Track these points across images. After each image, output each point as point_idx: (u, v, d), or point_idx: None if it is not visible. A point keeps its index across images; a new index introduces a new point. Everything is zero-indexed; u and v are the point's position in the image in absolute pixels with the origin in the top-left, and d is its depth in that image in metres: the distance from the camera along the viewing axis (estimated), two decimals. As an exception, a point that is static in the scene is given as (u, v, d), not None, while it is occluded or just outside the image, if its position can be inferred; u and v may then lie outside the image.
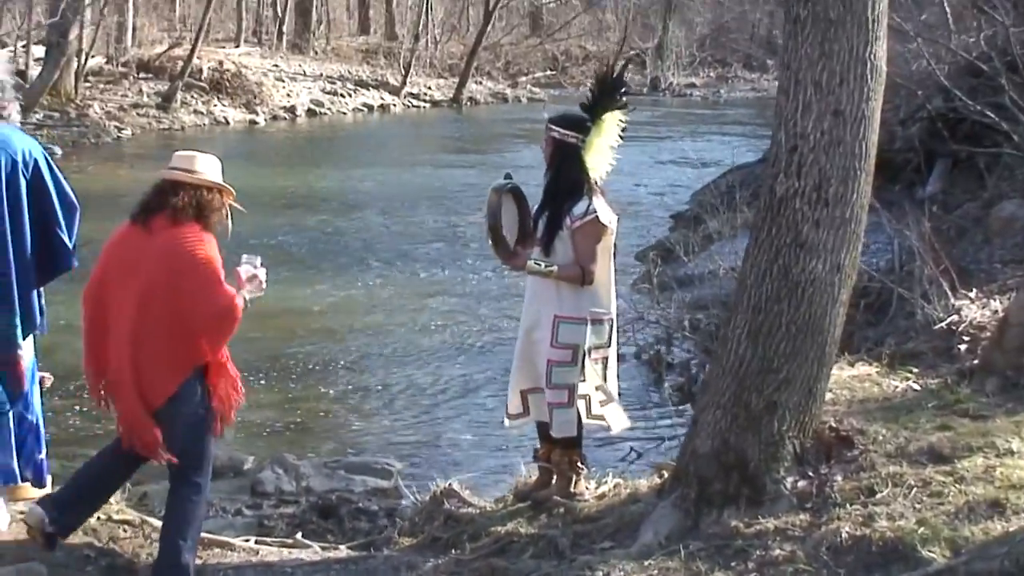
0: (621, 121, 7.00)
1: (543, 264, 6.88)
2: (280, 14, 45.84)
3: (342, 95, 39.67)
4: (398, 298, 15.71)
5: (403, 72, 42.48)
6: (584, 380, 6.91)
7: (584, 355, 6.88)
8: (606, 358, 7.05)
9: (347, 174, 26.69)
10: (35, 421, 6.50)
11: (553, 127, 7.01)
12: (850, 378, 8.04)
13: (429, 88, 43.65)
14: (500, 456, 9.55)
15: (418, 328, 14.30)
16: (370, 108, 39.87)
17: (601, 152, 6.91)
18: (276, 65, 40.51)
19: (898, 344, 9.44)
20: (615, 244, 7.08)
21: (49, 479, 6.71)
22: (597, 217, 6.83)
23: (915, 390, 7.77)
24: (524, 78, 48.55)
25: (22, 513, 6.61)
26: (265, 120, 35.26)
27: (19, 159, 6.21)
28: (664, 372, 12.61)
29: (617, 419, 7.16)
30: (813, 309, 6.16)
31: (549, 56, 51.93)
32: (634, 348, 12.88)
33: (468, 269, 16.76)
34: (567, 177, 6.93)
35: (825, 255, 6.13)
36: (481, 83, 45.67)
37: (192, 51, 34.31)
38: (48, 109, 29.90)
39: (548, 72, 50.01)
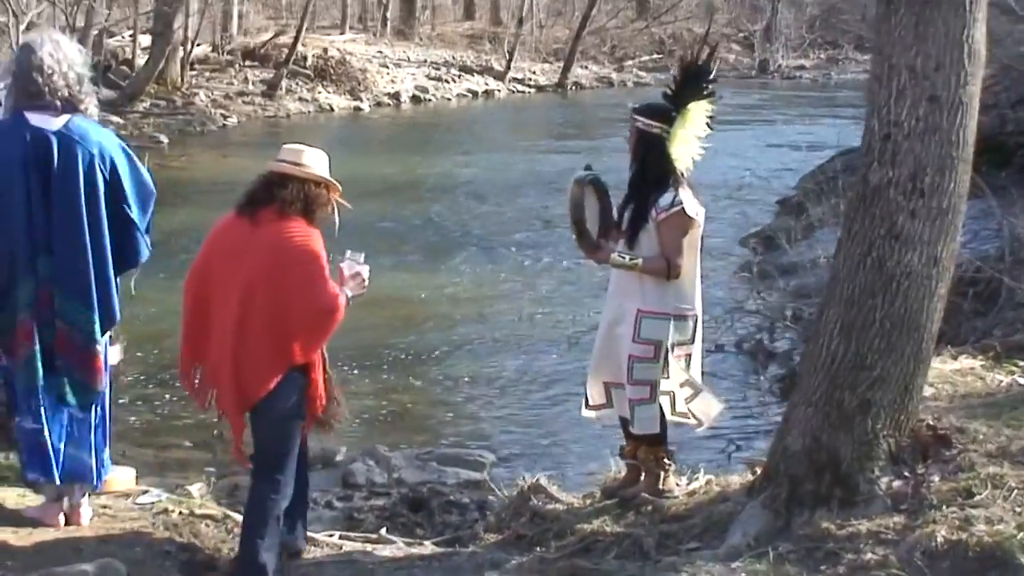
0: (708, 111, 6.79)
1: (627, 257, 6.72)
2: (385, 0, 45.83)
3: (446, 81, 39.64)
4: (497, 286, 15.63)
5: (507, 57, 42.31)
6: (667, 377, 6.74)
7: (667, 351, 6.71)
8: (689, 355, 6.87)
9: (450, 160, 26.61)
10: (105, 415, 6.47)
11: (637, 117, 6.83)
12: (953, 372, 7.79)
13: (534, 73, 43.45)
14: (593, 449, 9.35)
15: (516, 317, 14.17)
16: (474, 94, 39.77)
17: (687, 143, 6.72)
18: (380, 51, 40.63)
19: (1005, 336, 9.13)
20: (702, 237, 6.90)
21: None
22: (683, 209, 6.64)
23: (1020, 385, 7.51)
24: (630, 62, 47.93)
25: (104, 507, 6.60)
26: (369, 106, 35.30)
27: (96, 154, 6.15)
28: (765, 362, 12.37)
29: (707, 411, 6.96)
30: (909, 303, 5.92)
31: (656, 39, 51.20)
32: (735, 338, 12.64)
33: (570, 256, 16.52)
34: (652, 168, 6.75)
35: (921, 247, 5.89)
36: (587, 67, 45.29)
37: (296, 38, 34.49)
38: (154, 98, 30.25)
39: (655, 56, 49.18)
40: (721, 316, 12.62)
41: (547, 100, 40.47)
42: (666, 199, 6.66)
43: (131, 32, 32.78)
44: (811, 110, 35.75)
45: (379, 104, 35.88)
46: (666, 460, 6.92)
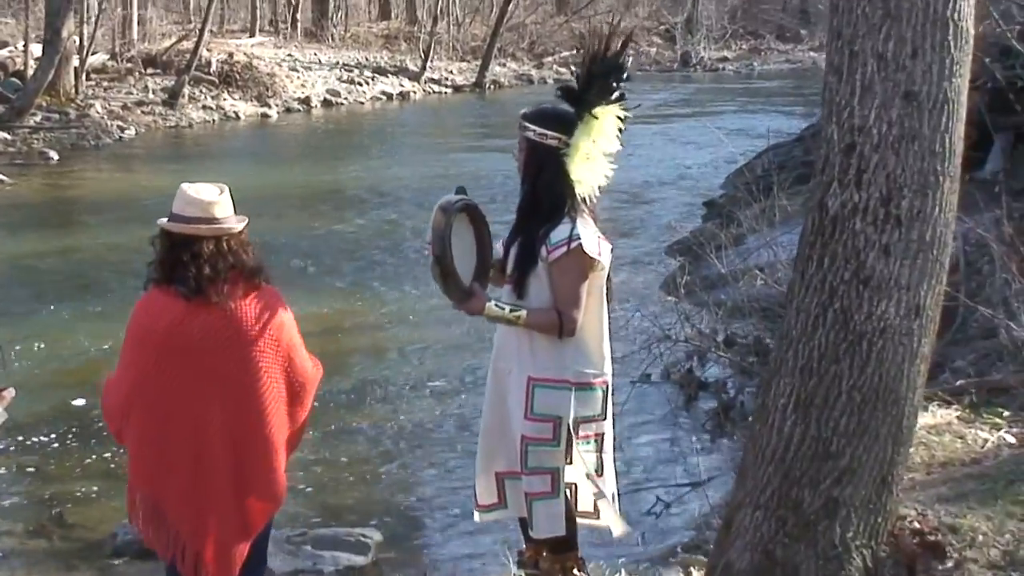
0: (620, 118, 5.26)
1: (507, 308, 5.21)
2: (294, 1, 44.30)
3: (359, 83, 38.27)
4: (407, 313, 13.83)
5: (423, 57, 41.00)
6: (571, 463, 5.24)
7: (569, 430, 5.20)
8: (601, 435, 5.35)
9: (363, 167, 25.16)
10: None
11: (528, 125, 5.32)
12: (926, 428, 6.34)
13: (451, 72, 42.27)
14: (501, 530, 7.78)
15: (424, 354, 12.40)
16: (389, 96, 38.36)
17: (591, 160, 5.18)
18: (290, 55, 39.22)
19: (978, 373, 7.69)
20: (608, 283, 5.38)
21: None
22: (580, 246, 5.11)
23: (1011, 444, 6.07)
24: (550, 58, 47.15)
25: None
26: (278, 113, 33.68)
27: None
28: (696, 393, 10.89)
29: (615, 519, 5.45)
30: (885, 369, 4.48)
31: (576, 34, 50.16)
32: (661, 366, 11.13)
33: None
34: (545, 192, 5.23)
35: (899, 294, 4.45)
36: (505, 65, 44.25)
37: (197, 43, 32.78)
38: (46, 111, 28.39)
39: (575, 51, 48.20)
40: (646, 342, 11.08)
41: (465, 100, 39.13)
42: (560, 233, 5.14)
43: (23, 43, 30.93)
44: (735, 103, 35.08)
45: (288, 110, 34.32)
46: (576, 572, 5.37)
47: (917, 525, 4.79)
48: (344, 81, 37.96)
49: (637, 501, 8.49)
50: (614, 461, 5.52)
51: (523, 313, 5.15)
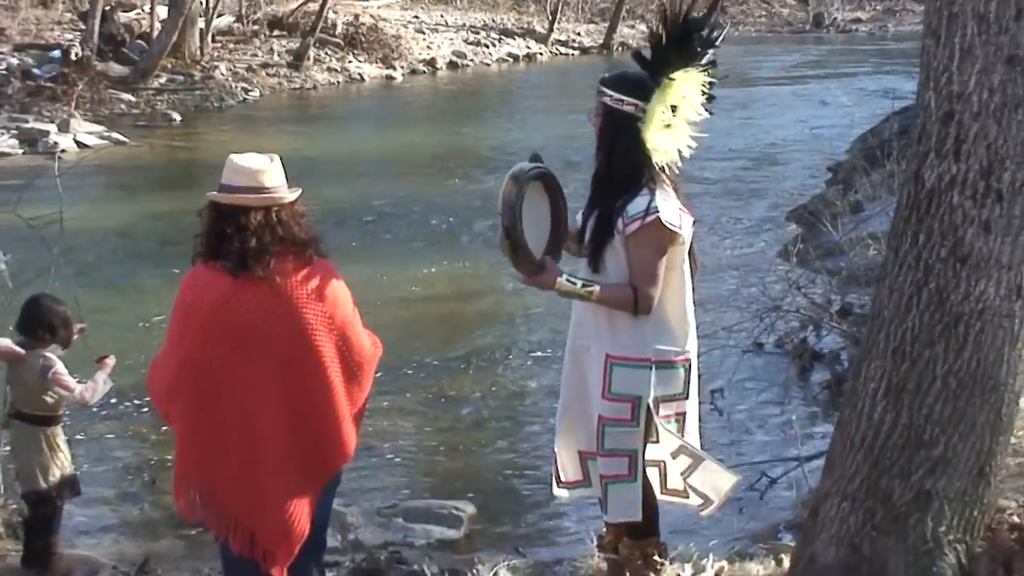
0: (703, 85, 4.97)
1: (579, 283, 4.93)
2: (423, -37, 44.26)
3: (485, 45, 38.17)
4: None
5: (550, 19, 40.66)
6: (656, 441, 5.01)
7: (649, 410, 4.96)
8: (683, 413, 5.09)
9: (487, 128, 25.08)
10: None
11: (605, 90, 5.03)
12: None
13: (578, 34, 41.97)
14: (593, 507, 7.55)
15: (535, 320, 12.09)
16: (515, 58, 38.18)
17: (670, 127, 4.90)
18: (416, 16, 39.28)
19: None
20: (692, 256, 5.11)
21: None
22: (659, 218, 4.83)
23: None
24: (680, 19, 46.28)
25: None
26: (403, 75, 33.69)
27: None
28: (810, 364, 10.55)
29: (715, 484, 5.18)
30: (983, 353, 4.19)
31: (708, -6, 49.56)
32: (774, 336, 10.80)
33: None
34: (620, 162, 4.96)
35: (999, 273, 4.15)
36: (634, 27, 43.54)
37: (323, 5, 32.82)
38: (171, 73, 28.69)
39: (705, 12, 47.55)
40: (757, 312, 10.76)
41: (592, 62, 38.58)
42: (637, 205, 4.87)
43: (148, 5, 31.24)
44: (866, 64, 34.31)
45: (414, 72, 34.32)
46: (656, 557, 5.14)
47: (1017, 519, 4.50)
48: (470, 43, 37.90)
49: (740, 475, 8.22)
50: (700, 438, 5.27)
51: (596, 288, 4.89)
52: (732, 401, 9.66)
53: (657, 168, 4.92)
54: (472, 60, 36.61)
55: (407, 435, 9.16)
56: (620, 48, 41.06)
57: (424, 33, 37.43)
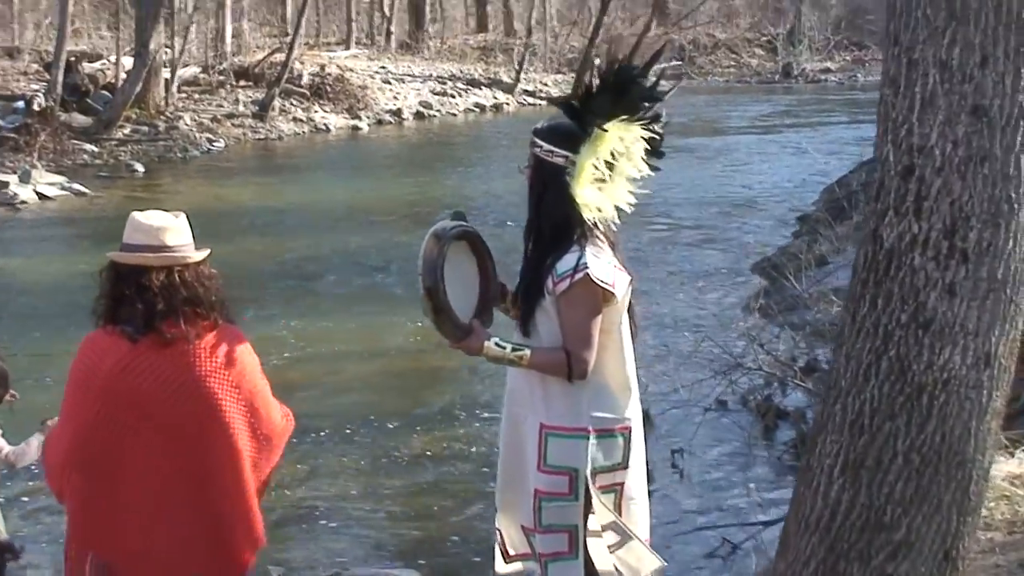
0: (645, 138, 4.63)
1: (509, 347, 4.58)
2: (388, 13, 44.22)
3: (452, 95, 38.30)
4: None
5: (517, 69, 40.62)
6: (594, 514, 4.65)
7: (586, 482, 4.59)
8: (620, 484, 4.71)
9: (453, 179, 25.12)
10: None
11: (537, 140, 4.72)
12: (1009, 478, 5.70)
13: (545, 84, 42.07)
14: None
15: (495, 378, 11.76)
16: (482, 108, 38.36)
17: (605, 181, 4.58)
18: (383, 67, 39.33)
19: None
20: (631, 316, 4.75)
21: None
22: (588, 275, 4.47)
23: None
24: (648, 71, 46.49)
25: None
26: (369, 125, 33.72)
27: None
28: (775, 423, 10.23)
29: (637, 565, 4.77)
30: (948, 427, 3.89)
31: (676, 46, 49.76)
32: (738, 393, 10.50)
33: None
34: (550, 216, 4.63)
35: (965, 340, 3.86)
36: (602, 77, 43.59)
37: (288, 55, 32.77)
38: (135, 123, 28.47)
39: (674, 63, 47.76)
40: (720, 368, 10.46)
41: (559, 113, 38.52)
42: (566, 262, 4.52)
43: (114, 57, 31.06)
44: (835, 114, 34.46)
45: (379, 122, 34.37)
46: (601, 638, 4.78)
47: (988, 607, 4.20)
48: (437, 93, 38.05)
49: (700, 541, 7.92)
50: (650, 507, 4.92)
51: (527, 353, 4.54)
52: (693, 462, 9.34)
53: (590, 224, 4.58)
54: (439, 110, 36.73)
55: (353, 499, 8.78)
56: (588, 99, 41.15)
57: (391, 83, 37.50)
